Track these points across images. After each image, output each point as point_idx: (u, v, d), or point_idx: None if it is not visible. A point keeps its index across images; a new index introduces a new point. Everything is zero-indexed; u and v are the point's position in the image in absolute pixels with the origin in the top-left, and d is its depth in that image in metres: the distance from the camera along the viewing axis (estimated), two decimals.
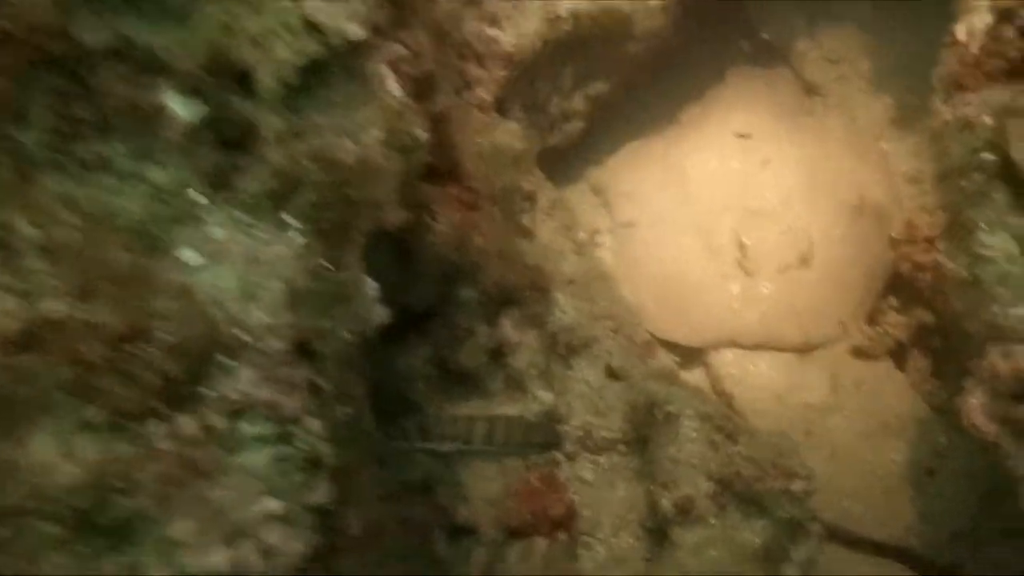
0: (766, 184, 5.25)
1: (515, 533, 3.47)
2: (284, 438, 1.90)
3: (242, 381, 1.85)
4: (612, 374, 3.83)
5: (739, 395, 5.01)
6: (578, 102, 5.39)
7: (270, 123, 1.89)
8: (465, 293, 3.42)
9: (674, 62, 5.73)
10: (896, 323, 5.06)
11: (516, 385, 3.67)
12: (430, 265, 3.18)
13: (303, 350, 1.93)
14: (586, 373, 3.85)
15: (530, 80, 5.02)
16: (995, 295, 2.97)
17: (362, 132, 1.96)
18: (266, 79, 1.87)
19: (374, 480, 2.43)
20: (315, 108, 1.89)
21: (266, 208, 1.89)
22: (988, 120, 2.95)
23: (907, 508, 4.66)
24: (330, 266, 1.91)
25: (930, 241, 4.84)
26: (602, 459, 3.69)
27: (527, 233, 4.23)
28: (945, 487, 4.68)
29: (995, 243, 2.95)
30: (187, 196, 1.85)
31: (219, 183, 1.89)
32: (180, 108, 1.82)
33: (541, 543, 3.49)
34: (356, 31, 1.91)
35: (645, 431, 3.49)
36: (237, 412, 1.85)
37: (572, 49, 5.09)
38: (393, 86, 2.15)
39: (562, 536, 3.52)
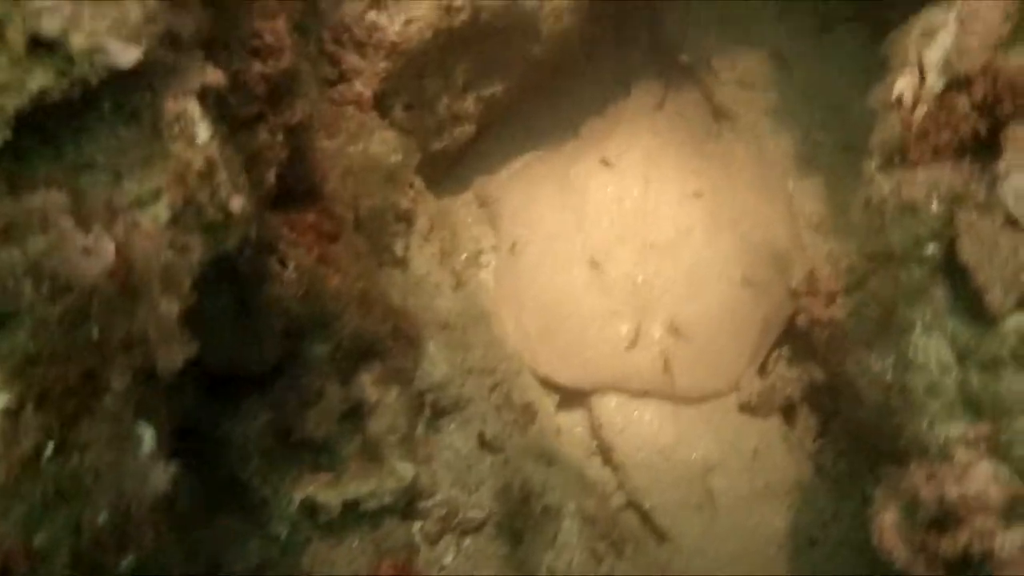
0: (667, 215, 4.82)
1: None
2: None
3: None
4: (485, 444, 3.31)
5: (620, 446, 4.59)
6: (470, 103, 4.80)
7: None
8: (316, 349, 2.81)
9: (578, 70, 5.23)
10: (787, 378, 4.75)
11: (372, 455, 3.10)
12: (274, 320, 2.56)
13: None
14: (455, 440, 3.32)
15: (417, 75, 4.40)
16: (923, 407, 2.60)
17: (133, 214, 1.31)
18: None
19: None
20: (47, 181, 1.21)
21: None
22: (935, 207, 2.56)
23: None
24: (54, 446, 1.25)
25: (831, 296, 4.53)
26: (468, 542, 3.17)
27: (398, 263, 3.64)
28: (827, 558, 4.41)
29: (930, 348, 2.58)
30: None
31: None
32: None
33: None
34: (125, 53, 1.25)
35: (519, 522, 3.00)
36: None
37: (467, 44, 4.49)
38: (200, 129, 1.50)
39: None
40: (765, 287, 4.77)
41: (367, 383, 3.13)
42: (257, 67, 2.48)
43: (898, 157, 2.76)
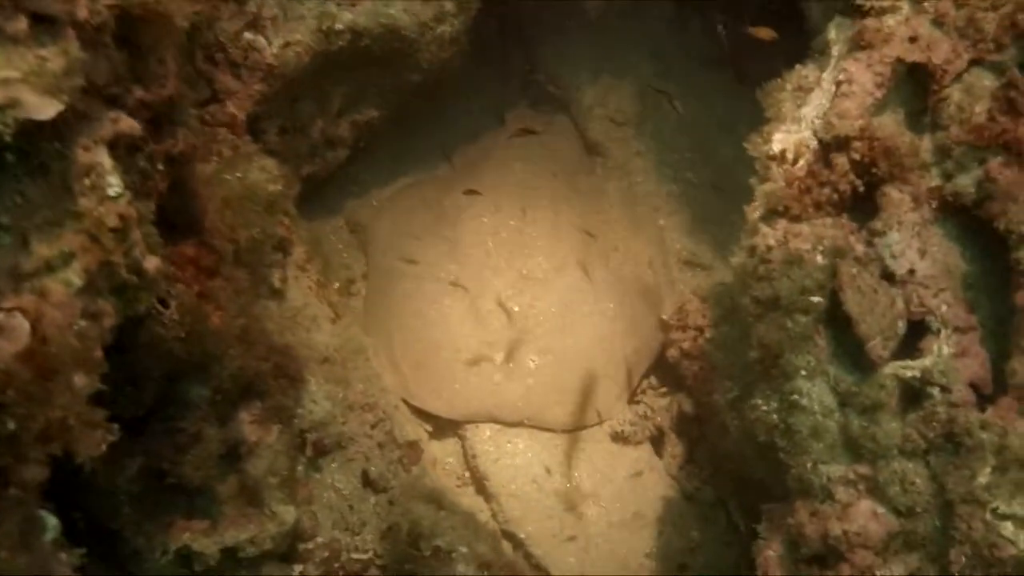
0: (541, 247, 4.86)
1: None
2: None
3: None
4: (369, 483, 3.19)
5: (494, 476, 4.56)
6: (344, 128, 4.66)
7: None
8: (195, 391, 2.61)
9: (453, 99, 5.20)
10: (657, 408, 4.88)
11: (251, 498, 2.92)
12: (152, 364, 2.35)
13: None
14: (337, 479, 3.18)
15: (292, 98, 4.22)
16: (807, 448, 2.72)
17: (42, 281, 1.14)
18: None
19: None
20: None
21: None
22: (820, 260, 2.69)
23: None
24: None
25: (699, 330, 4.69)
26: None
27: (275, 295, 3.46)
28: None
29: (813, 392, 2.71)
30: None
31: None
32: None
33: None
34: (43, 109, 1.09)
35: (408, 566, 2.89)
36: None
37: (346, 69, 4.36)
38: (111, 181, 1.35)
39: None
40: (636, 320, 4.89)
41: (246, 423, 2.95)
42: (139, 93, 2.29)
43: (781, 209, 2.89)
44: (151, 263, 1.45)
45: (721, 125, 5.44)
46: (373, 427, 3.40)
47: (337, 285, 4.46)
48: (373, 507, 3.17)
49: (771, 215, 2.90)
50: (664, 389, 4.90)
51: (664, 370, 4.88)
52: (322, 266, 4.26)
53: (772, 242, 2.81)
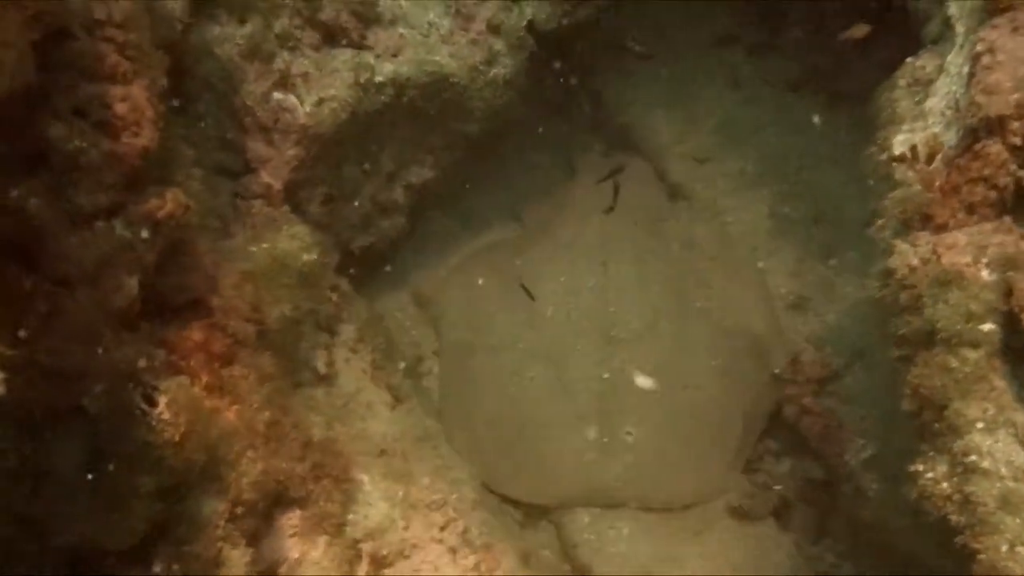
0: (627, 305, 4.29)
1: None
2: None
3: None
4: None
5: (598, 567, 3.94)
6: (398, 193, 4.25)
7: None
8: (206, 506, 2.13)
9: (517, 151, 4.76)
10: (778, 474, 4.19)
11: None
12: (139, 478, 1.88)
13: None
14: None
15: (334, 163, 3.83)
16: (997, 525, 2.04)
17: None
18: None
19: None
20: None
21: None
22: (986, 275, 2.05)
23: None
24: None
25: (819, 382, 4.04)
26: None
27: (321, 381, 3.00)
28: None
29: (996, 450, 2.04)
30: None
31: None
32: None
33: None
34: None
35: None
36: None
37: (392, 126, 3.97)
38: None
39: None
40: (744, 377, 4.24)
41: (284, 537, 2.45)
42: (105, 145, 1.89)
43: (919, 220, 2.27)
44: None
45: (817, 152, 4.85)
46: (443, 529, 2.85)
47: (403, 365, 3.98)
48: None
49: (907, 228, 2.29)
50: (784, 453, 4.22)
51: (782, 431, 4.21)
52: (383, 345, 3.79)
53: (915, 261, 2.19)
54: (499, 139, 4.48)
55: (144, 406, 1.87)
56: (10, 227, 1.80)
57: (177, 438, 1.91)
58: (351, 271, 3.94)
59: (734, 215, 4.74)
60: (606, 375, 4.15)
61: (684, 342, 4.24)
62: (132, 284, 1.95)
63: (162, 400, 1.90)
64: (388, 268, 4.52)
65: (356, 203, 4.02)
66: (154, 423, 1.87)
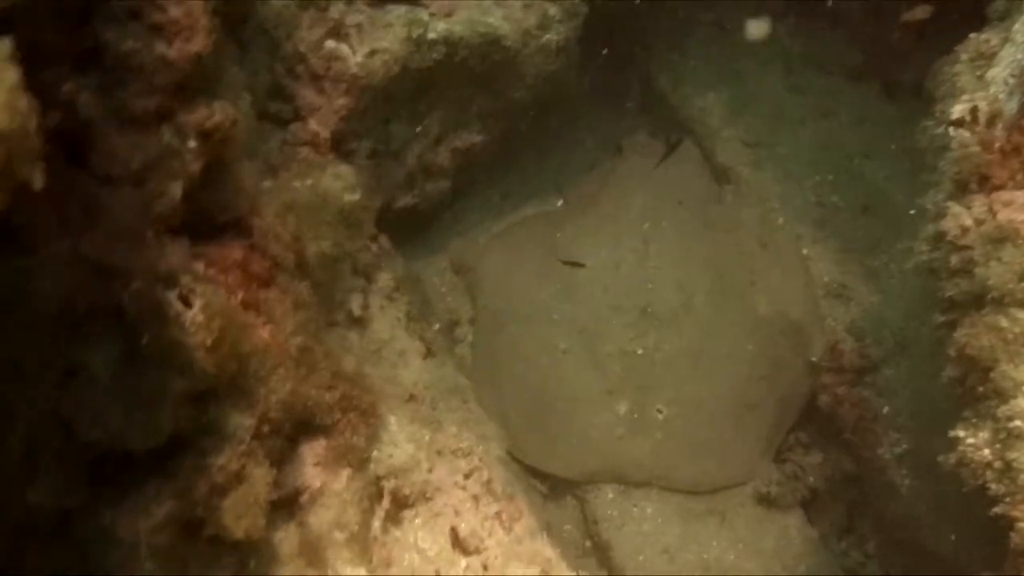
0: (666, 283, 4.24)
1: None
2: None
3: None
4: (458, 543, 2.60)
5: (618, 545, 3.90)
6: (444, 156, 4.25)
7: None
8: (233, 419, 2.13)
9: (565, 121, 4.73)
10: (809, 465, 4.11)
11: (312, 557, 2.39)
12: (169, 377, 1.89)
13: None
14: (421, 538, 2.62)
15: (383, 118, 3.84)
16: None
17: None
18: None
19: None
20: None
21: None
22: None
23: None
24: None
25: (857, 372, 3.95)
26: None
27: (355, 323, 3.00)
28: None
29: None
30: None
31: None
32: None
33: None
34: None
35: None
36: None
37: (442, 86, 3.97)
38: None
39: None
40: (780, 364, 4.16)
41: (307, 465, 2.45)
42: (159, 48, 1.90)
43: (976, 181, 2.21)
44: None
45: (869, 143, 4.77)
46: (467, 476, 2.83)
47: (438, 326, 3.97)
48: (464, 573, 2.57)
49: (963, 190, 2.23)
50: (815, 444, 4.14)
51: (815, 421, 4.13)
52: (419, 303, 3.78)
53: (969, 221, 2.13)
54: (547, 111, 4.46)
55: (179, 306, 1.88)
56: (60, 121, 1.82)
57: (209, 342, 1.91)
58: (392, 229, 3.94)
59: (780, 201, 4.66)
60: (640, 351, 4.10)
61: (721, 324, 4.17)
62: (176, 191, 1.96)
63: (197, 303, 1.91)
64: (428, 232, 4.52)
65: (401, 161, 4.03)
66: (187, 324, 1.88)
